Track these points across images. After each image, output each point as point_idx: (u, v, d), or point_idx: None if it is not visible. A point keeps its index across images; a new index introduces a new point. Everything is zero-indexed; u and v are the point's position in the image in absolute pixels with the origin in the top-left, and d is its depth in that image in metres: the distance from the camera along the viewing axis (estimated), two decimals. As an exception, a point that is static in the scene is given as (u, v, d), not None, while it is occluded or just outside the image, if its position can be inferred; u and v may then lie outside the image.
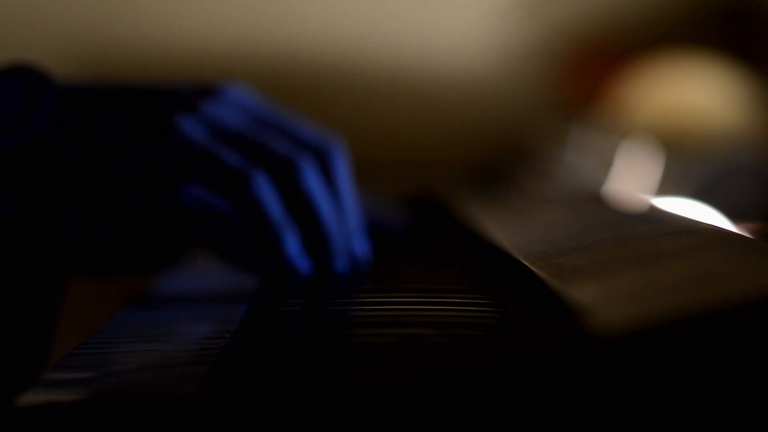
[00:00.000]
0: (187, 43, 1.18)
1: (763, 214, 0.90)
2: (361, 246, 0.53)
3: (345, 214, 0.52)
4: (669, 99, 1.07)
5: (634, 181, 0.96)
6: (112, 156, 0.48)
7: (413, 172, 1.08)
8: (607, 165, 0.99)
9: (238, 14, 1.19)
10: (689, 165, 0.94)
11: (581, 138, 1.05)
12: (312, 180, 0.50)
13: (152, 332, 0.45)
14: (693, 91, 1.08)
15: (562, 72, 1.21)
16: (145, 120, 0.49)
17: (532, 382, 0.31)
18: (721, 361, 0.31)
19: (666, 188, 0.94)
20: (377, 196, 0.63)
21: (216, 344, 0.41)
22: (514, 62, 1.22)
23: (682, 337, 0.31)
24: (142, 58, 1.18)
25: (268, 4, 1.19)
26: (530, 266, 0.44)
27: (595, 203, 0.71)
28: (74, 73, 1.16)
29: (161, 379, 0.36)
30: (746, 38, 1.17)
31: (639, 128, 1.03)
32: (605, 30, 1.21)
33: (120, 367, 0.39)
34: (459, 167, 1.07)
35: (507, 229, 0.58)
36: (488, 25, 1.22)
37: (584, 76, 1.19)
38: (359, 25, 1.20)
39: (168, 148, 0.48)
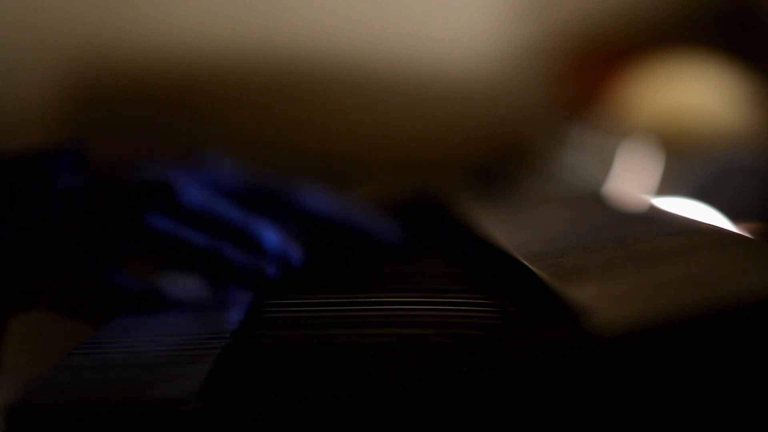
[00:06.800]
0: (187, 43, 1.18)
1: (763, 214, 0.90)
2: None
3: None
4: (669, 99, 1.07)
5: (634, 181, 0.96)
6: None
7: (413, 172, 1.08)
8: (607, 165, 0.99)
9: (238, 14, 1.19)
10: (689, 165, 0.94)
11: (581, 138, 1.05)
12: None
13: (151, 333, 0.45)
14: (693, 91, 1.08)
15: (563, 72, 1.21)
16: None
17: (532, 382, 0.31)
18: (721, 360, 0.31)
19: (666, 188, 0.94)
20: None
21: (216, 344, 0.41)
22: (514, 62, 1.22)
23: (681, 337, 0.31)
24: (142, 57, 1.18)
25: (268, 4, 1.19)
26: (530, 266, 0.44)
27: (595, 203, 0.71)
28: (74, 73, 1.16)
29: (160, 379, 0.36)
30: (746, 38, 1.17)
31: (639, 128, 1.03)
32: (605, 30, 1.21)
33: (119, 368, 0.39)
34: (459, 167, 1.07)
35: (507, 229, 0.58)
36: (488, 25, 1.22)
37: (584, 76, 1.19)
38: (359, 25, 1.20)
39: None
